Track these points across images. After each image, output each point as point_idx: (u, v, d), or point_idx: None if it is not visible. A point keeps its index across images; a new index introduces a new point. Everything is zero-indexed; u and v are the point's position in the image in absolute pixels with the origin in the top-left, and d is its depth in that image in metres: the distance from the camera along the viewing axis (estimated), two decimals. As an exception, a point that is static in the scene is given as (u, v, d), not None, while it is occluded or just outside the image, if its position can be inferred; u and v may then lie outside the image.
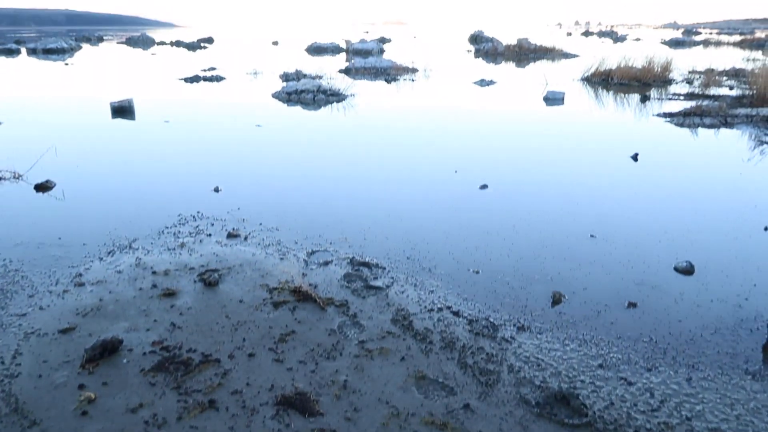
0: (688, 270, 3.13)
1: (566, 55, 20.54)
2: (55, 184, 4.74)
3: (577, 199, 4.39)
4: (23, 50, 25.79)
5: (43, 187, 4.67)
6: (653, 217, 4.02)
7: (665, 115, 7.92)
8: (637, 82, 11.65)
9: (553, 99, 9.49)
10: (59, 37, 32.37)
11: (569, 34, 57.37)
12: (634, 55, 13.07)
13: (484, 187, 4.66)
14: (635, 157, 5.57)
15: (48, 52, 25.01)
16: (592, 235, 3.65)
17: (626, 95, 10.33)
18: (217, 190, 4.60)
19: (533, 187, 4.75)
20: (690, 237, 3.65)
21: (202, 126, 7.51)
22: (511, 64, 18.02)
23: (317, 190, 4.68)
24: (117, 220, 3.97)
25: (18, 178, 4.91)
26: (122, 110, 8.43)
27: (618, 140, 6.57)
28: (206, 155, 5.88)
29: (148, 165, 5.46)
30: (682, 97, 9.63)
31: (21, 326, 2.59)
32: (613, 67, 12.40)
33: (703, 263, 3.23)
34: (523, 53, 21.31)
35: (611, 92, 10.76)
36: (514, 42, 23.28)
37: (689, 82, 11.79)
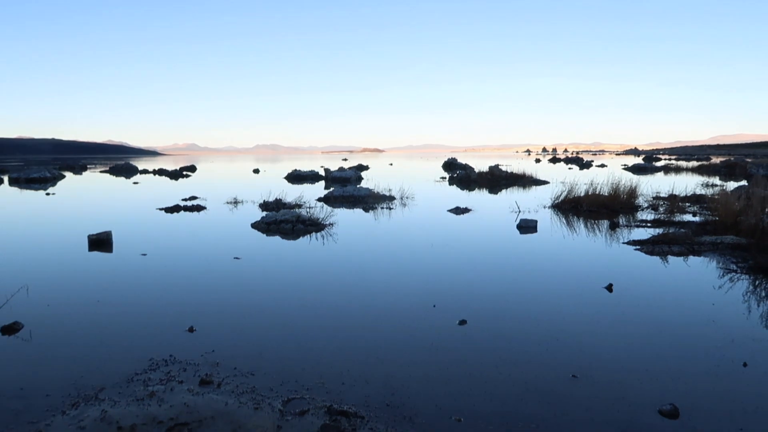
0: (672, 413, 3.07)
1: (536, 182, 21.48)
2: (22, 326, 4.60)
3: (556, 335, 4.37)
4: (5, 179, 26.15)
5: (9, 330, 4.52)
6: (632, 353, 4.01)
7: (635, 242, 8.18)
8: (606, 209, 12.14)
9: (527, 227, 9.78)
10: (43, 167, 33.02)
11: (538, 160, 60.46)
12: (601, 180, 13.69)
13: (462, 322, 4.64)
14: (610, 288, 5.65)
15: (30, 182, 25.39)
16: (573, 375, 3.60)
17: (596, 222, 10.70)
18: (191, 329, 4.50)
19: (512, 322, 4.74)
20: (671, 374, 3.62)
21: (180, 259, 7.50)
22: (485, 191, 18.73)
23: (294, 328, 4.61)
24: (85, 365, 3.82)
25: (-15, 320, 4.76)
26: (100, 243, 8.43)
27: (592, 270, 6.69)
28: (182, 291, 5.82)
29: (121, 303, 5.36)
30: (649, 224, 10.01)
31: (-32, 498, 2.39)
32: (582, 194, 12.97)
33: (686, 405, 3.17)
34: (496, 180, 22.25)
35: (581, 219, 11.15)
36: (486, 169, 24.40)
37: (654, 208, 12.32)
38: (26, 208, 14.99)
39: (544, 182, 21.31)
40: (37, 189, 21.38)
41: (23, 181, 25.52)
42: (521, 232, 9.47)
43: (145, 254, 7.64)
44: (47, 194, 18.71)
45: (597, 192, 12.99)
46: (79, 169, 41.85)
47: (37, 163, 56.51)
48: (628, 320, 4.76)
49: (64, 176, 29.88)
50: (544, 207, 12.96)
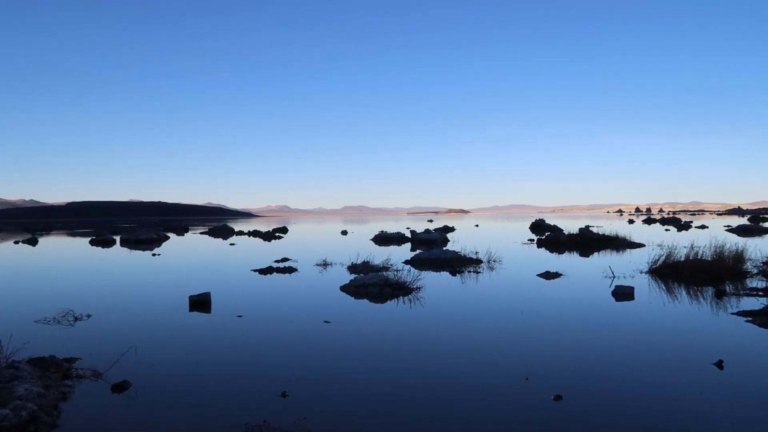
0: None
1: (631, 245, 20.53)
2: (130, 385, 4.90)
3: (663, 416, 4.08)
4: (118, 240, 28.42)
5: (119, 388, 4.83)
6: (751, 440, 3.66)
7: (745, 313, 7.55)
8: (709, 275, 11.34)
9: (623, 294, 9.32)
10: (150, 228, 35.64)
11: (631, 221, 57.91)
12: (702, 243, 12.88)
13: (558, 398, 4.45)
14: (720, 365, 5.23)
15: (139, 242, 27.42)
16: (683, 463, 3.33)
17: (699, 289, 10.02)
18: (284, 395, 4.61)
19: (613, 399, 4.47)
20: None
21: (273, 321, 7.76)
22: (575, 255, 18.10)
23: (383, 396, 4.60)
24: (186, 429, 3.99)
25: (98, 377, 5.13)
26: (200, 304, 8.90)
27: (698, 343, 6.23)
28: (275, 354, 5.99)
29: (219, 365, 5.59)
30: (760, 293, 9.23)
31: None
32: (682, 259, 12.24)
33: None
34: (587, 242, 21.48)
35: (682, 286, 10.47)
36: (576, 231, 23.65)
37: (765, 274, 11.36)
38: (136, 269, 16.15)
39: (640, 245, 20.33)
40: (144, 250, 23.05)
41: (132, 242, 27.63)
42: (617, 300, 9.04)
43: (240, 316, 7.97)
44: (153, 255, 20.10)
45: (699, 256, 12.22)
46: (181, 231, 44.81)
47: (146, 223, 61.11)
48: (742, 402, 4.36)
49: (168, 237, 32.06)
50: (641, 272, 12.32)
